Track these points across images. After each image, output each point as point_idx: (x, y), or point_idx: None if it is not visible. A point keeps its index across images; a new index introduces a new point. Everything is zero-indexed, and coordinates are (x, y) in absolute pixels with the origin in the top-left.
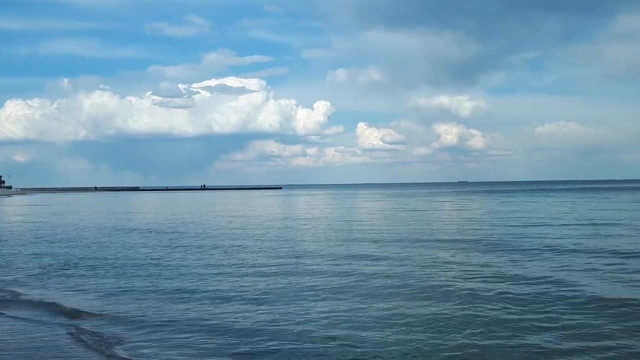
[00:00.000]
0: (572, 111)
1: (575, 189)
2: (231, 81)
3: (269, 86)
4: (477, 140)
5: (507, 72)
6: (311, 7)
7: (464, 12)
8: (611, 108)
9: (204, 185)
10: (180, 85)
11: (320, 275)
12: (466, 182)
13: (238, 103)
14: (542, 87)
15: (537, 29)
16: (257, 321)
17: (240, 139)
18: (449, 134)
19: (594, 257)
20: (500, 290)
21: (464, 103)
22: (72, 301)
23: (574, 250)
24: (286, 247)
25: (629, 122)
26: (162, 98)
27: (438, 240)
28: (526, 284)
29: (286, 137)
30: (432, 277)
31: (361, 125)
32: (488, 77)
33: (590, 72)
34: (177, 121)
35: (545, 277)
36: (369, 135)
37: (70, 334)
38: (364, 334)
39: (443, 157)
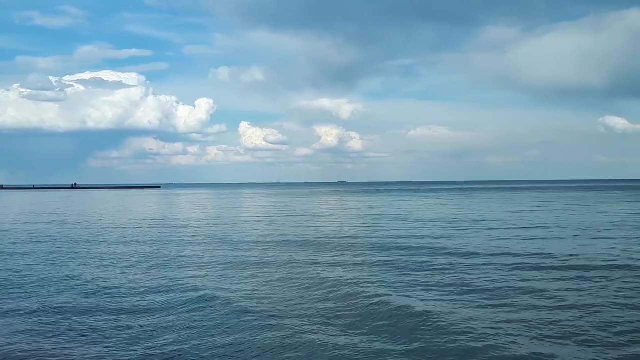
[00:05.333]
0: (442, 116)
1: (442, 190)
2: (107, 75)
3: (148, 81)
4: (356, 142)
5: (383, 78)
6: (194, 4)
7: (345, 17)
8: (478, 114)
9: (75, 184)
10: (51, 78)
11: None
12: (345, 182)
13: (115, 98)
14: (415, 92)
15: (412, 36)
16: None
17: (116, 136)
18: (329, 135)
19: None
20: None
21: (344, 106)
22: None
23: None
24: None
25: (494, 127)
26: (30, 91)
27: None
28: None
29: (166, 134)
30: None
31: (244, 125)
32: (366, 81)
33: (459, 80)
34: (48, 115)
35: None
36: (252, 135)
37: None
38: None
39: (324, 157)
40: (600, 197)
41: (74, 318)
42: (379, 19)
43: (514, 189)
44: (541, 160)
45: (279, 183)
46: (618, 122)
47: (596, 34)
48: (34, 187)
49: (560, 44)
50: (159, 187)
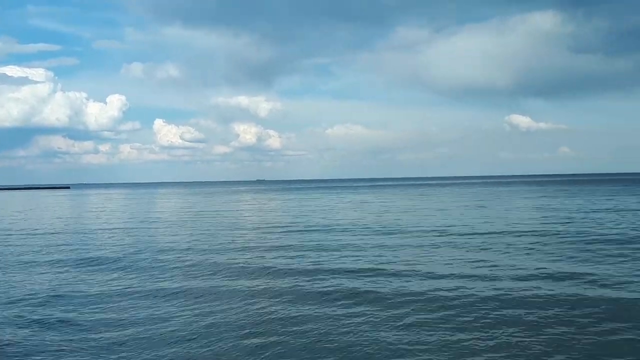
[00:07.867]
0: (358, 114)
1: (358, 187)
2: (12, 70)
3: (56, 77)
4: (274, 140)
5: (300, 76)
6: None
7: (261, 15)
8: (391, 112)
9: None
10: None
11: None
12: (264, 180)
13: (20, 94)
14: (331, 91)
15: (328, 36)
16: None
17: (22, 134)
18: (247, 133)
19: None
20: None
21: (261, 104)
22: None
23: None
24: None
25: (407, 125)
26: None
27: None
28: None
29: (76, 132)
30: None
31: (159, 122)
32: (283, 79)
33: (373, 79)
34: None
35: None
36: (168, 132)
37: None
38: None
39: (242, 155)
40: (502, 192)
41: None
42: (295, 18)
43: (424, 185)
44: (451, 157)
45: (197, 182)
46: (522, 121)
47: (501, 35)
48: None
49: (467, 45)
50: (68, 188)
